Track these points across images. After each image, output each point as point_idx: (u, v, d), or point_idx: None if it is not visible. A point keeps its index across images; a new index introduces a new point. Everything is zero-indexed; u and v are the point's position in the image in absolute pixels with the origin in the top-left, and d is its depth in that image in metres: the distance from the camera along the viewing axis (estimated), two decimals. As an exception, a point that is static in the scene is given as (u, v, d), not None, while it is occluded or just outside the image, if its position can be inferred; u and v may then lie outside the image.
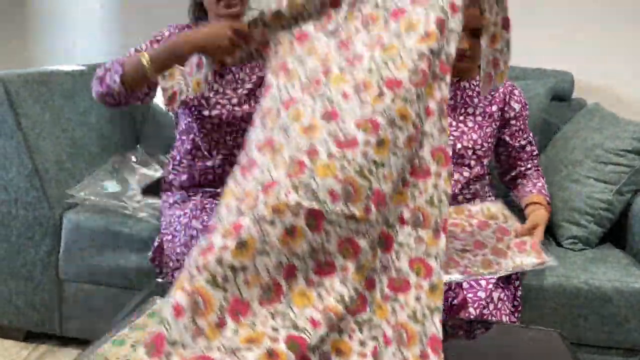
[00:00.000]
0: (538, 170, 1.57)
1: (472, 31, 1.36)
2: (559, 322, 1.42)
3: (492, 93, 1.52)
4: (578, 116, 1.84)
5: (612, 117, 1.70)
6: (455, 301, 1.23)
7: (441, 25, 1.04)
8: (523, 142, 1.54)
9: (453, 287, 1.23)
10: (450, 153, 1.03)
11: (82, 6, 2.35)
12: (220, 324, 0.81)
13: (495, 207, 1.47)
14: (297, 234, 0.87)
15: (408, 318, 0.90)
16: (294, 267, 0.88)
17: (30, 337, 1.76)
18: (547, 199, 1.49)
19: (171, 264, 1.40)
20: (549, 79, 1.96)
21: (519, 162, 1.57)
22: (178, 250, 1.35)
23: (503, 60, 1.22)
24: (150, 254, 1.44)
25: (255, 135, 1.03)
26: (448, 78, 1.05)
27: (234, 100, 1.41)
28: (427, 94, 1.03)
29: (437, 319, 0.90)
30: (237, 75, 1.45)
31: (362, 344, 0.88)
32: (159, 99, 1.25)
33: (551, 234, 1.66)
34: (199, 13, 1.48)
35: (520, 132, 1.53)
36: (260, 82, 1.43)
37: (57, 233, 1.62)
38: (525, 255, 1.28)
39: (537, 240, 1.33)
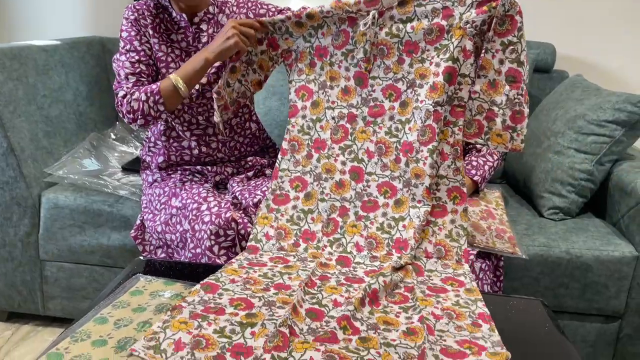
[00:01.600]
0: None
1: None
2: (541, 290, 1.45)
3: None
4: (560, 87, 1.85)
5: (594, 88, 1.70)
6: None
7: (451, 74, 1.13)
8: None
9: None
10: (465, 190, 1.18)
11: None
12: (296, 245, 1.20)
13: (492, 195, 1.55)
14: (345, 185, 1.23)
15: (445, 237, 1.17)
16: (345, 208, 1.21)
17: (12, 317, 1.75)
18: (475, 178, 1.48)
19: (153, 241, 1.38)
20: (531, 50, 1.96)
21: None
22: (159, 229, 1.34)
23: (502, 119, 1.14)
24: (132, 231, 1.42)
25: (287, 167, 1.28)
26: (461, 121, 1.16)
27: (203, 80, 1.37)
28: (441, 139, 1.17)
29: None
30: None
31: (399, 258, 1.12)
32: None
33: (533, 205, 1.68)
34: None
35: None
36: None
37: (36, 213, 1.59)
38: (501, 242, 1.30)
39: (513, 235, 1.35)
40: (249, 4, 1.45)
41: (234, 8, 1.43)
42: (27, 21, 2.34)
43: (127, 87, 1.30)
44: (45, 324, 1.74)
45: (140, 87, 1.30)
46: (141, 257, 1.16)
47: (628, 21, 2.08)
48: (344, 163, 1.24)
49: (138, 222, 1.42)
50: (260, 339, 0.82)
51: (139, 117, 1.28)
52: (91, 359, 0.77)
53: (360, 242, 1.18)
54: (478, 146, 1.53)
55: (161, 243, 1.37)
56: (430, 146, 1.15)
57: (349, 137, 1.24)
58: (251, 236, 1.21)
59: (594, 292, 1.44)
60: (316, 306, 0.94)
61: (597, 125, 1.54)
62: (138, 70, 1.33)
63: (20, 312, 1.71)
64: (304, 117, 1.28)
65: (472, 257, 1.23)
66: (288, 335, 0.82)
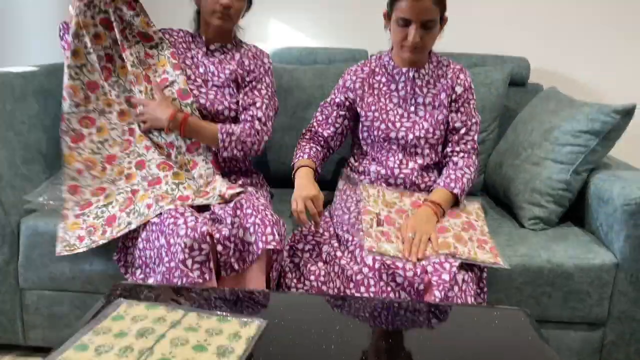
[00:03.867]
0: (469, 157, 1.54)
1: (422, 23, 1.38)
2: (524, 300, 1.46)
3: (441, 80, 1.54)
4: (535, 100, 1.89)
5: (568, 100, 1.74)
6: (421, 286, 1.24)
7: None
8: (458, 125, 1.54)
9: (419, 273, 1.25)
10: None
11: (34, 6, 2.27)
12: (104, 170, 1.54)
13: (472, 206, 1.55)
14: (102, 37, 1.54)
15: None
16: (110, 55, 1.57)
17: (-7, 349, 1.71)
18: (455, 190, 1.47)
19: (135, 262, 1.37)
20: (507, 64, 2.00)
21: (448, 144, 1.57)
22: (140, 245, 1.33)
23: None
24: (114, 255, 1.41)
25: (70, 110, 1.58)
26: None
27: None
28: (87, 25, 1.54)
29: None
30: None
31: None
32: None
33: (514, 215, 1.70)
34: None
35: (459, 115, 1.54)
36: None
37: (15, 240, 1.57)
38: (483, 252, 1.31)
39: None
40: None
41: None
42: (4, 47, 2.33)
43: None
44: (27, 354, 1.69)
45: None
46: (122, 281, 1.15)
47: (597, 34, 2.14)
48: (117, 96, 1.56)
49: (120, 244, 1.41)
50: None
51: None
52: (71, 387, 0.76)
53: (148, 144, 1.52)
54: (455, 159, 1.55)
55: (140, 262, 1.36)
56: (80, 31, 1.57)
57: (113, 74, 1.56)
58: (65, 176, 1.51)
59: (577, 300, 1.45)
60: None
61: (572, 135, 1.58)
62: None
63: (1, 343, 1.67)
64: (69, 66, 1.54)
65: (454, 268, 1.24)
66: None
